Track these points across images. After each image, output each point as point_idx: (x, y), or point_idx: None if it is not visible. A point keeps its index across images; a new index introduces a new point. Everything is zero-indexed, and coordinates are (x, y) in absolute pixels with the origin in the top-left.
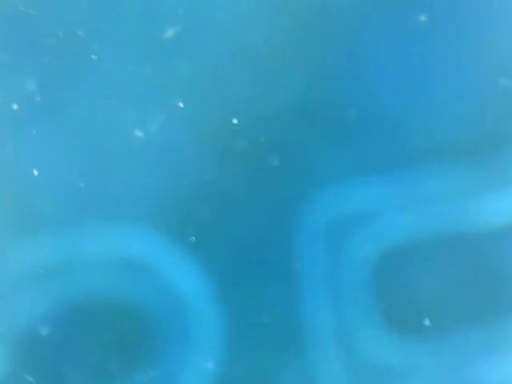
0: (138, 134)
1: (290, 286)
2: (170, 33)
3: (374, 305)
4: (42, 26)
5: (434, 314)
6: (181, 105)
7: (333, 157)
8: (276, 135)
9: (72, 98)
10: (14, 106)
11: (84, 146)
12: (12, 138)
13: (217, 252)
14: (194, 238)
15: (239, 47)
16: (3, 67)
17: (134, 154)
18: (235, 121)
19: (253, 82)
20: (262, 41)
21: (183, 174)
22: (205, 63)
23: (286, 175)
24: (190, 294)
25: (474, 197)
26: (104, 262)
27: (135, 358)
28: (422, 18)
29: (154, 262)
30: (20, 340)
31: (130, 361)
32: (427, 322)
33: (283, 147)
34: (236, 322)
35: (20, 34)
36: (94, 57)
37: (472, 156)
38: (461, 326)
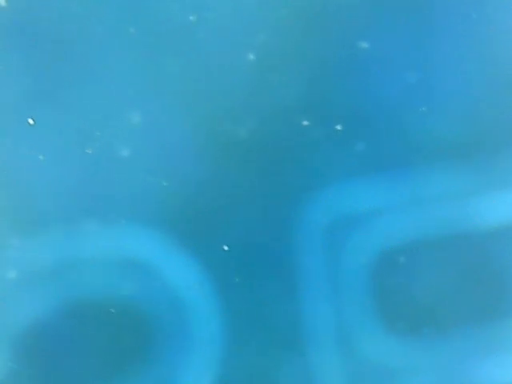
0: (137, 133)
1: (290, 285)
2: (168, 28)
3: (374, 305)
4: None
5: (434, 314)
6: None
7: (333, 157)
8: (276, 135)
9: (71, 97)
10: (13, 105)
11: (84, 145)
12: (12, 138)
13: (217, 252)
14: (195, 240)
15: (236, 46)
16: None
17: (133, 153)
18: (234, 120)
19: (252, 82)
20: (262, 40)
21: (183, 173)
22: (203, 62)
23: (286, 175)
24: (190, 294)
25: (474, 197)
26: (104, 262)
27: (135, 358)
28: (423, 17)
29: (154, 261)
30: (20, 339)
31: (129, 361)
32: (427, 322)
33: (283, 147)
34: (236, 321)
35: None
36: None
37: (472, 156)
38: (461, 326)
